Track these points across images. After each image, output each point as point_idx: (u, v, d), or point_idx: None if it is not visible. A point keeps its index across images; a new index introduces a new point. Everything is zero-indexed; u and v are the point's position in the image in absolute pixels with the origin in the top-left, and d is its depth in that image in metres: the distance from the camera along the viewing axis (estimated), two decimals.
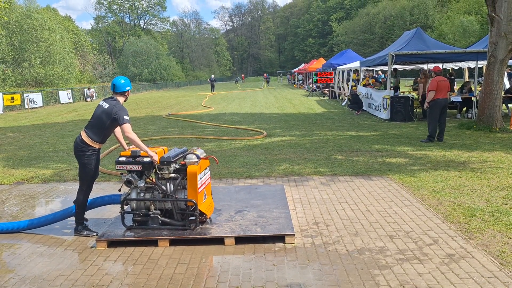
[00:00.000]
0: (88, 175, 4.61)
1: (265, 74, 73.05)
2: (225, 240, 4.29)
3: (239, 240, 4.31)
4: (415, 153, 8.51)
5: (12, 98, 24.46)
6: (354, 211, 5.19)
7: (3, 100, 23.55)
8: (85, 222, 4.79)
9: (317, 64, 37.51)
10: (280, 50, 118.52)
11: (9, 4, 21.05)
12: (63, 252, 4.28)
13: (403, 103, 13.71)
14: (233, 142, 10.52)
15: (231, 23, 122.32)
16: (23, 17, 34.13)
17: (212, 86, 43.00)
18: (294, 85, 50.41)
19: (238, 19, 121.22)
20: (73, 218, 4.78)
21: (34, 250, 4.36)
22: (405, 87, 23.79)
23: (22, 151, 10.16)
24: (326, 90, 27.89)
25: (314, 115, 16.80)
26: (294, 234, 4.32)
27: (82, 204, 4.67)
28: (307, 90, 34.49)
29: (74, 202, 4.72)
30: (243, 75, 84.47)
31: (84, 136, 4.54)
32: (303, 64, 52.74)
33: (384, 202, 5.52)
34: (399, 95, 15.28)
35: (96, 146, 4.58)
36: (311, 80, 31.98)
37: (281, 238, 4.32)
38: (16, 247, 4.46)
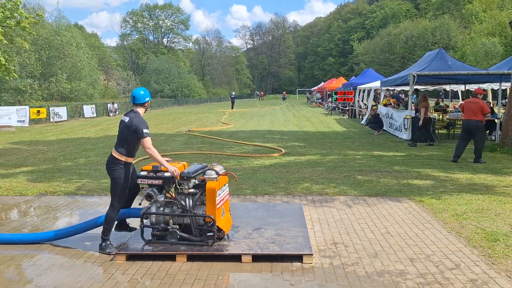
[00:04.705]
0: (118, 190, 4.64)
1: (284, 93, 72.76)
2: (242, 258, 4.28)
3: (256, 258, 4.29)
4: (437, 175, 8.37)
5: (38, 111, 25.21)
6: (373, 233, 5.12)
7: (29, 113, 24.30)
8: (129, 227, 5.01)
9: (337, 83, 37.54)
10: (300, 68, 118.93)
11: (38, 20, 21.81)
12: (83, 264, 4.33)
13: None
14: (252, 159, 10.55)
15: (251, 42, 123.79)
16: (52, 34, 35.39)
17: (232, 103, 43.42)
18: (313, 103, 50.42)
19: (258, 37, 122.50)
20: (93, 230, 4.84)
21: (54, 261, 4.43)
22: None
23: (46, 164, 10.40)
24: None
25: (333, 133, 16.74)
26: (312, 254, 4.28)
27: (111, 220, 4.68)
28: (326, 109, 34.45)
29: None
30: (262, 93, 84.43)
31: (114, 152, 4.63)
32: (322, 83, 52.85)
33: (405, 224, 5.43)
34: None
35: (123, 159, 4.61)
36: (330, 98, 31.99)
37: (299, 258, 4.28)
38: (37, 258, 4.54)
